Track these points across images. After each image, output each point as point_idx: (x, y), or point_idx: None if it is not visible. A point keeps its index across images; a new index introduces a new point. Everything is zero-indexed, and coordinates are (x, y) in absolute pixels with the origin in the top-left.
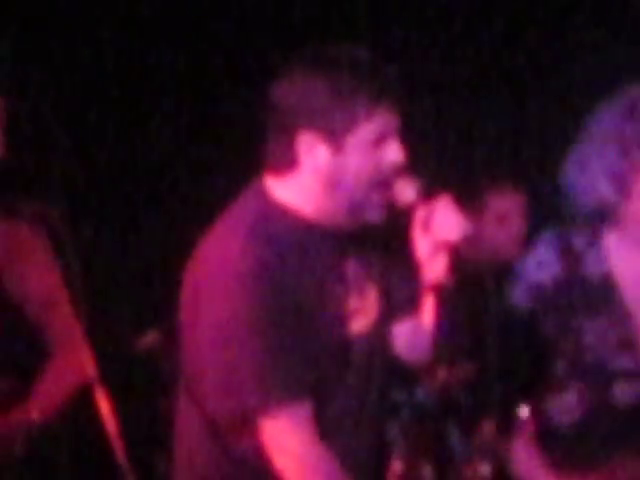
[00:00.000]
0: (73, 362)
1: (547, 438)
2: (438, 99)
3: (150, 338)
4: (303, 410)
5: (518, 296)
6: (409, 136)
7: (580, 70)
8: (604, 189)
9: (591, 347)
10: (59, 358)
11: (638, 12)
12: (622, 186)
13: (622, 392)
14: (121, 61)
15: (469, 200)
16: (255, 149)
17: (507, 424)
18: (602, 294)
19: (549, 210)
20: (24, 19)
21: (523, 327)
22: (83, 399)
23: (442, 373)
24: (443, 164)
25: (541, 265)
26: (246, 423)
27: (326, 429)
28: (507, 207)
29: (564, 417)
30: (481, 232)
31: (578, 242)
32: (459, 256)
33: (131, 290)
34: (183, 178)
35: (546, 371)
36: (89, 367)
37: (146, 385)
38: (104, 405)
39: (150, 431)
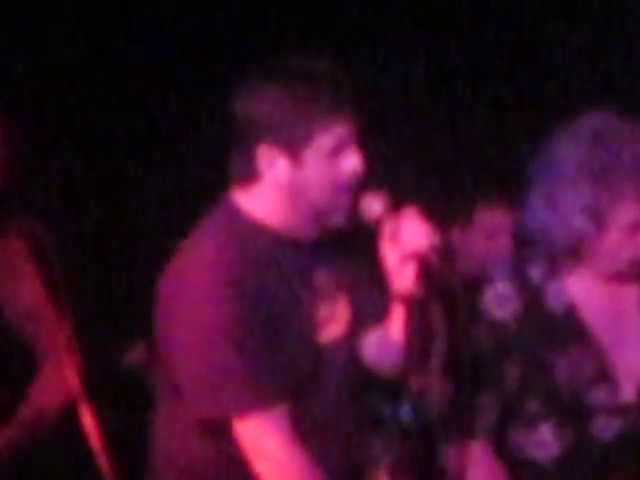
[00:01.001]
0: (59, 378)
1: (525, 473)
2: (432, 112)
3: (136, 353)
4: (279, 414)
5: (481, 335)
6: (399, 151)
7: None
8: (581, 224)
9: (565, 383)
10: (45, 374)
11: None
12: (600, 219)
13: (603, 426)
14: (111, 76)
15: (458, 215)
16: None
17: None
18: (568, 328)
19: None
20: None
21: (489, 368)
22: (68, 414)
23: (415, 384)
24: (433, 179)
25: (500, 301)
26: (225, 427)
27: (301, 437)
28: (495, 223)
29: (540, 452)
30: (469, 247)
31: (535, 275)
32: (434, 268)
33: (117, 305)
34: (168, 194)
35: (517, 410)
36: (74, 382)
37: (133, 401)
38: (88, 420)
39: (136, 446)
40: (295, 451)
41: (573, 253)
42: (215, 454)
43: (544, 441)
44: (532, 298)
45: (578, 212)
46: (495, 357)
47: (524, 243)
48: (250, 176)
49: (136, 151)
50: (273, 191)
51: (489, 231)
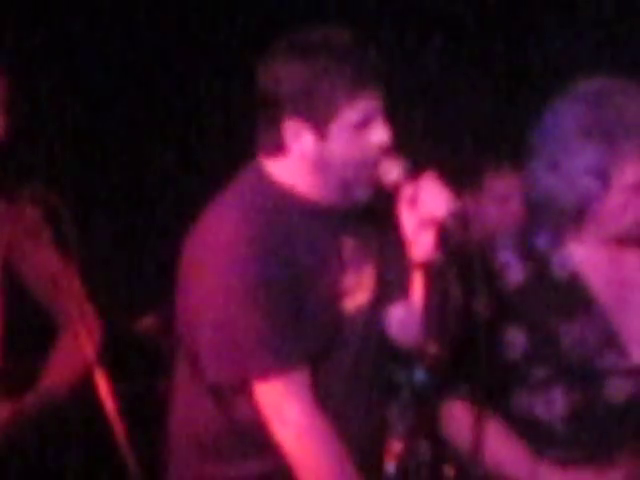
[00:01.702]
0: (76, 345)
1: (535, 434)
2: (440, 80)
3: (149, 321)
4: (300, 378)
5: (478, 303)
6: (409, 117)
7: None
8: (586, 185)
9: (572, 349)
10: (63, 341)
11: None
12: (605, 179)
13: (616, 389)
14: (121, 45)
15: (469, 181)
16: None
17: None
18: (573, 295)
19: None
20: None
21: (489, 335)
22: (85, 381)
23: (432, 350)
24: (444, 145)
25: (503, 270)
26: (244, 389)
27: (320, 402)
28: (506, 189)
29: (547, 410)
30: (480, 213)
31: (540, 243)
32: (453, 235)
33: (130, 273)
34: (181, 162)
35: (524, 376)
36: (90, 349)
37: (147, 367)
38: (103, 386)
39: (151, 412)
40: (314, 416)
41: (579, 217)
42: (228, 422)
43: (553, 401)
44: (538, 266)
45: (583, 174)
46: (496, 325)
47: (531, 211)
48: (277, 148)
49: (152, 117)
50: (300, 163)
51: (499, 197)
